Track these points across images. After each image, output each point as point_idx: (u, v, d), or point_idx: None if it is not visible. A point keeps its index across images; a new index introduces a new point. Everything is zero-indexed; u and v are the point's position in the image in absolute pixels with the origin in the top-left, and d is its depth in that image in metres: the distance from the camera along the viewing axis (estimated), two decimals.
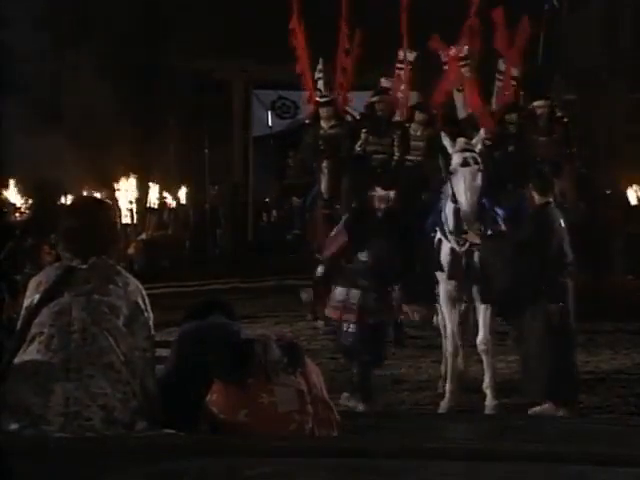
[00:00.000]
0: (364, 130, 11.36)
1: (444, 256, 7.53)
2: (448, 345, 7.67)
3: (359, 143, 11.30)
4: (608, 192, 14.92)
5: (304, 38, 12.41)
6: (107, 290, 3.88)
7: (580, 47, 14.70)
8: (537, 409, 7.07)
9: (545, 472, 3.24)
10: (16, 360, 3.81)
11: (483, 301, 7.44)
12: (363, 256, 7.57)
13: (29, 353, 3.80)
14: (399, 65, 12.05)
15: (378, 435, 4.31)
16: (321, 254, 8.28)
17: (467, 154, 7.28)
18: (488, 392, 7.37)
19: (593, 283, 12.14)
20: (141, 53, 17.24)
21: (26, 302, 3.95)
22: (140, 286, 3.98)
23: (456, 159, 7.30)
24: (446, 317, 7.71)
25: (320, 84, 12.58)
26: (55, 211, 14.43)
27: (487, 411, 7.28)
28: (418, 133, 11.21)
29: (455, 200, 7.27)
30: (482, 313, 7.47)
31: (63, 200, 16.35)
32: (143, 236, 17.51)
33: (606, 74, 15.03)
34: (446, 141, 7.42)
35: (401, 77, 11.98)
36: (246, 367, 3.81)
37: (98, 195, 14.95)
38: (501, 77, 12.11)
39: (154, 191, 18.27)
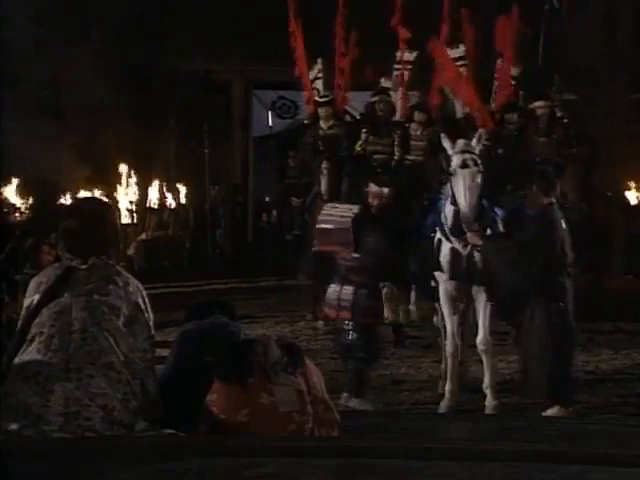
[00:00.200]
0: (364, 130, 11.36)
1: (444, 256, 7.53)
2: (448, 345, 7.67)
3: (359, 143, 11.30)
4: (608, 193, 14.92)
5: (302, 38, 12.41)
6: (107, 290, 3.88)
7: (580, 47, 14.69)
8: (548, 412, 7.06)
9: (545, 472, 3.24)
10: (16, 360, 3.81)
11: (487, 301, 7.44)
12: (357, 253, 7.59)
13: (29, 353, 3.80)
14: (397, 65, 12.06)
15: (378, 435, 4.31)
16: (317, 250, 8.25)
17: (467, 155, 7.28)
18: (488, 392, 7.37)
19: (593, 283, 12.16)
20: (140, 53, 17.23)
21: (26, 302, 3.95)
22: (140, 286, 3.99)
23: (456, 160, 7.29)
24: (446, 317, 7.71)
25: (319, 84, 12.58)
26: (55, 211, 14.42)
27: (487, 411, 7.28)
28: (418, 133, 11.21)
29: (455, 201, 7.27)
30: (482, 313, 7.47)
31: (63, 200, 16.35)
32: (143, 236, 17.50)
33: (606, 74, 15.03)
34: (446, 142, 7.41)
35: (400, 77, 11.98)
36: (246, 367, 3.81)
37: (98, 195, 14.95)
38: (499, 77, 12.13)
39: (154, 191, 18.26)
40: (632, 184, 16.36)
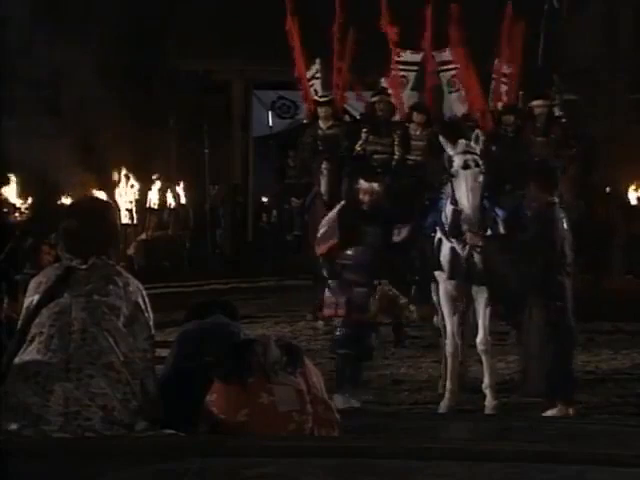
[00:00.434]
0: (364, 130, 11.36)
1: (444, 256, 7.53)
2: (448, 345, 7.66)
3: (359, 143, 11.30)
4: (608, 192, 14.91)
5: (299, 38, 12.42)
6: (107, 290, 3.88)
7: (580, 47, 14.68)
8: (549, 412, 7.05)
9: (545, 472, 3.24)
10: (16, 360, 3.81)
11: (488, 301, 7.44)
12: (350, 250, 7.60)
13: (29, 353, 3.80)
14: (396, 66, 12.08)
15: (378, 435, 4.32)
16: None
17: (468, 156, 7.27)
18: (488, 392, 7.36)
19: (593, 283, 12.16)
20: (141, 53, 17.22)
21: (26, 302, 3.95)
22: (140, 286, 3.99)
23: (457, 161, 7.27)
24: (446, 317, 7.71)
25: (317, 84, 12.59)
26: (55, 211, 14.41)
27: (487, 411, 7.28)
28: (417, 133, 11.21)
29: (456, 202, 7.26)
30: (482, 313, 7.47)
31: (63, 200, 16.34)
32: (143, 236, 17.49)
33: (606, 74, 15.03)
34: (446, 143, 7.40)
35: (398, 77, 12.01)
36: (246, 367, 3.81)
37: (98, 195, 14.94)
38: (497, 77, 12.15)
39: (154, 191, 18.24)
40: (632, 184, 16.35)
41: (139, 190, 17.62)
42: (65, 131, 15.53)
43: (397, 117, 11.77)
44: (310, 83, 12.65)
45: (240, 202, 19.46)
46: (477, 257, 7.38)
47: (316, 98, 12.17)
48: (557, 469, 3.26)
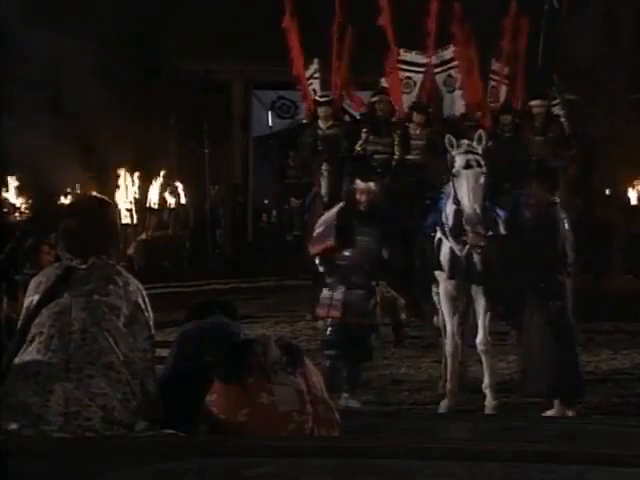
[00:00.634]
0: (364, 130, 11.35)
1: (444, 255, 7.52)
2: (448, 345, 7.66)
3: (359, 143, 11.30)
4: (608, 192, 14.92)
5: (298, 37, 12.42)
6: (107, 290, 3.88)
7: (580, 47, 14.68)
8: (549, 412, 7.05)
9: (545, 472, 3.24)
10: (16, 360, 3.81)
11: (486, 301, 7.43)
12: (347, 251, 7.57)
13: (29, 353, 3.81)
14: (398, 65, 12.06)
15: (378, 435, 4.32)
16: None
17: (470, 156, 7.25)
18: (488, 392, 7.36)
19: (593, 283, 12.16)
20: (141, 53, 17.22)
21: (26, 302, 3.95)
22: (140, 286, 3.99)
23: (459, 161, 7.26)
24: (446, 317, 7.71)
25: (315, 84, 12.58)
26: (55, 211, 14.41)
27: (487, 411, 7.27)
28: (417, 132, 11.21)
29: (458, 202, 7.25)
30: (481, 313, 7.47)
31: (63, 200, 16.33)
32: (143, 236, 17.48)
33: (606, 74, 15.03)
34: (452, 143, 7.38)
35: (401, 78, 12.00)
36: (246, 367, 3.81)
37: (98, 195, 14.91)
38: (495, 76, 12.15)
39: (154, 191, 18.24)
40: (632, 184, 16.36)
41: (139, 190, 17.62)
42: (65, 131, 15.52)
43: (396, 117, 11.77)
44: (308, 82, 12.64)
45: (240, 202, 19.47)
46: (477, 257, 7.38)
47: (316, 98, 12.17)
48: (557, 469, 3.26)
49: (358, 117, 12.72)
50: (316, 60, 12.58)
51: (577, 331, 7.48)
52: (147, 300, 3.98)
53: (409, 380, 8.54)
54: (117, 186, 17.34)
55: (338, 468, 3.29)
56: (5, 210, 15.72)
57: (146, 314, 3.95)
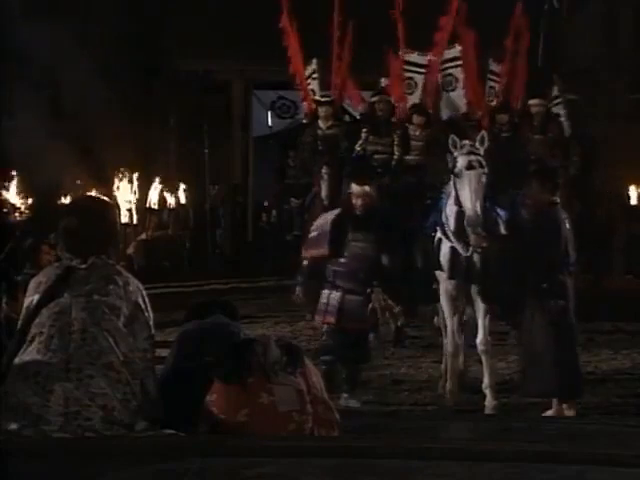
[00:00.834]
0: (364, 130, 11.35)
1: (444, 255, 7.51)
2: (448, 345, 7.66)
3: (359, 143, 11.29)
4: (608, 192, 14.93)
5: (296, 37, 12.42)
6: (107, 290, 3.88)
7: (580, 47, 14.70)
8: (549, 412, 7.05)
9: (545, 472, 3.24)
10: (16, 360, 3.81)
11: (484, 301, 7.42)
12: (342, 257, 7.44)
13: (29, 353, 3.80)
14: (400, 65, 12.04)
15: (378, 435, 4.31)
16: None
17: (472, 157, 7.24)
18: (488, 392, 7.36)
19: (593, 283, 12.16)
20: (141, 53, 17.22)
21: (26, 302, 3.95)
22: (140, 286, 3.98)
23: (461, 162, 7.25)
24: (446, 317, 7.70)
25: (314, 84, 12.57)
26: (55, 211, 14.41)
27: (487, 411, 7.27)
28: (417, 133, 11.20)
29: (459, 203, 7.24)
30: (481, 313, 7.46)
31: (63, 200, 16.33)
32: (143, 236, 17.48)
33: (606, 74, 15.04)
34: (452, 143, 7.37)
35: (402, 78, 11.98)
36: (246, 367, 3.81)
37: (98, 195, 14.92)
38: (493, 77, 12.15)
39: (154, 191, 18.23)
40: (632, 184, 16.35)
41: (139, 190, 17.61)
42: (64, 131, 15.52)
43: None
44: (307, 82, 12.64)
45: (240, 202, 19.46)
46: (477, 257, 7.37)
47: (317, 98, 12.16)
48: (557, 469, 3.26)
49: (358, 117, 12.73)
50: (315, 60, 12.57)
51: (577, 331, 7.48)
52: (147, 300, 3.98)
53: (409, 380, 8.54)
54: (117, 186, 17.33)
55: (338, 468, 3.29)
56: (5, 210, 15.72)
57: (146, 314, 3.95)
